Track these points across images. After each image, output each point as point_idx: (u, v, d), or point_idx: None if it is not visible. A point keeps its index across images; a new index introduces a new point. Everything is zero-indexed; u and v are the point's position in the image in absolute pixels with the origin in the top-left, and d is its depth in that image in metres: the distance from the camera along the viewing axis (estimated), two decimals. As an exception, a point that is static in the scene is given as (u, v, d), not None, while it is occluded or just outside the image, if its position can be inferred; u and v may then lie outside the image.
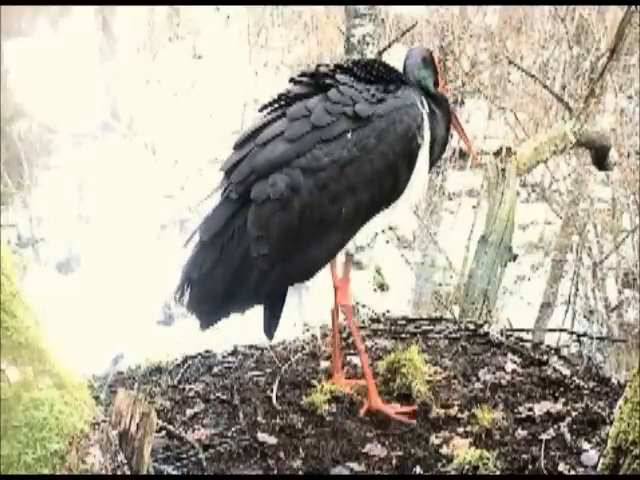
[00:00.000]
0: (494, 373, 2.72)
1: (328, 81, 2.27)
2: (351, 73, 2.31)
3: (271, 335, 2.35)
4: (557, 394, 2.57)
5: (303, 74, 2.40)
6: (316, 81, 2.30)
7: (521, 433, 2.33)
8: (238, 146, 2.27)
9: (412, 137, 2.27)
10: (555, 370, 2.73)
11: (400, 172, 2.29)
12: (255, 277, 2.18)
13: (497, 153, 4.89)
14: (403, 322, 3.25)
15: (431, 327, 3.17)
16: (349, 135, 2.18)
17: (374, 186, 2.25)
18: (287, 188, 2.14)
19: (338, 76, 2.29)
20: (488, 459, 2.16)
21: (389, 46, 5.16)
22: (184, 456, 2.24)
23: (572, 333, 4.15)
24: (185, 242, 2.30)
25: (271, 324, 2.32)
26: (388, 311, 3.49)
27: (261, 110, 2.34)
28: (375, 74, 2.33)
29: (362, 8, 4.69)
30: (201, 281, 2.20)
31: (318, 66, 2.41)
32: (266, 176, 2.15)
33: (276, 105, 2.31)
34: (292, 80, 2.39)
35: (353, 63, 2.42)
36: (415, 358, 2.59)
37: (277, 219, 2.15)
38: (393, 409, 2.45)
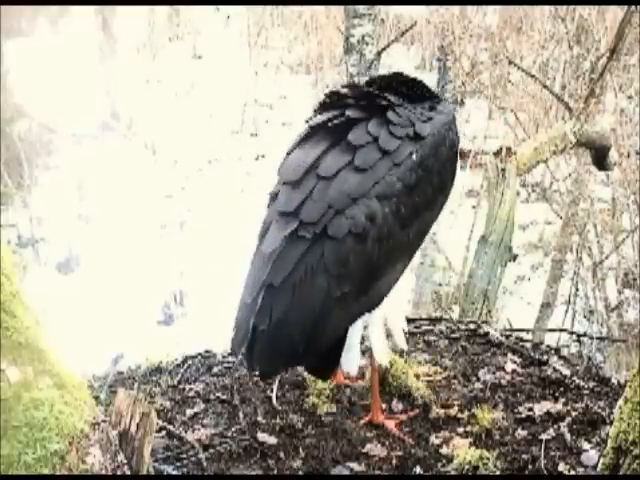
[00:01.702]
0: (494, 373, 2.72)
1: (383, 102, 2.17)
2: (395, 91, 2.24)
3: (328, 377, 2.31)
4: (557, 394, 2.57)
5: (337, 94, 2.27)
6: (368, 103, 2.17)
7: (521, 433, 2.33)
8: (295, 183, 2.08)
9: (456, 152, 2.26)
10: (555, 370, 2.73)
11: (449, 188, 2.27)
12: (336, 316, 2.03)
13: (497, 153, 4.88)
14: (403, 322, 3.25)
15: (431, 327, 3.17)
16: (414, 157, 2.11)
17: (433, 205, 2.22)
18: (366, 220, 2.02)
19: (389, 96, 2.19)
20: (488, 459, 2.16)
21: (389, 46, 5.15)
22: (184, 456, 2.24)
23: (572, 333, 4.15)
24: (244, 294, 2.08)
25: (332, 364, 2.19)
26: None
27: (304, 140, 2.17)
28: (413, 90, 2.29)
29: (362, 8, 4.69)
30: (274, 330, 1.97)
31: (350, 87, 2.34)
32: (343, 210, 2.02)
33: (322, 132, 2.15)
34: (326, 103, 2.26)
35: (385, 79, 2.34)
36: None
37: (357, 253, 2.02)
38: (394, 421, 2.44)
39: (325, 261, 1.99)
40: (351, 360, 2.19)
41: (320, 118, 2.19)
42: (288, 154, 2.22)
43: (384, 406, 2.53)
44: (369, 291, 2.09)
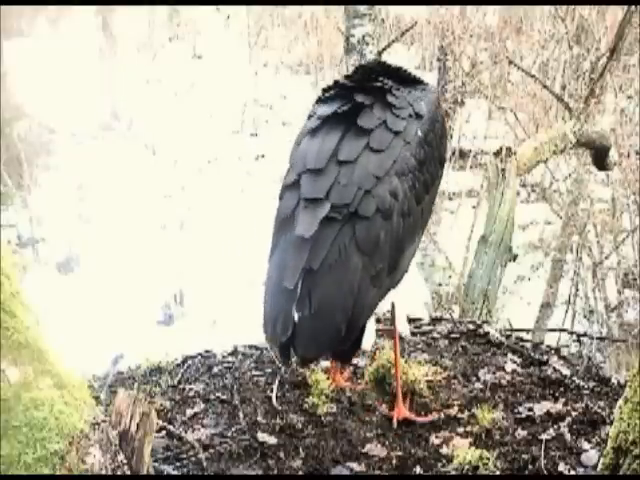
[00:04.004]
0: (494, 373, 2.72)
1: (378, 84, 2.28)
2: (384, 76, 2.34)
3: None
4: (557, 394, 2.57)
5: (336, 87, 2.36)
6: (369, 88, 2.28)
7: (521, 433, 2.33)
8: (319, 170, 2.13)
9: (445, 127, 2.40)
10: (555, 370, 2.73)
11: (444, 162, 2.40)
12: (373, 295, 2.08)
13: (497, 153, 4.89)
14: (403, 322, 3.25)
15: (431, 327, 3.18)
16: (419, 134, 2.23)
17: (437, 179, 2.33)
18: (390, 196, 2.11)
19: (385, 80, 2.30)
20: (488, 459, 2.16)
21: (389, 46, 5.15)
22: (184, 456, 2.24)
23: (572, 333, 4.15)
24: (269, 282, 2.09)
25: (355, 348, 2.19)
26: (389, 311, 3.49)
27: (315, 131, 2.23)
28: (398, 74, 2.40)
29: (362, 8, 4.68)
30: (316, 314, 1.97)
31: (349, 76, 2.41)
32: (370, 190, 2.09)
33: (332, 120, 2.23)
34: (328, 95, 2.34)
35: (370, 66, 2.46)
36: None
37: (386, 230, 2.09)
38: (420, 416, 2.46)
39: (357, 240, 2.04)
40: (368, 337, 2.22)
41: (328, 109, 2.25)
42: (298, 144, 2.29)
43: (383, 406, 2.53)
44: (397, 267, 2.16)
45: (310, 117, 2.34)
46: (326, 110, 2.26)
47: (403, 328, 2.40)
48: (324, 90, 2.40)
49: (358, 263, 2.03)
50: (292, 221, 2.11)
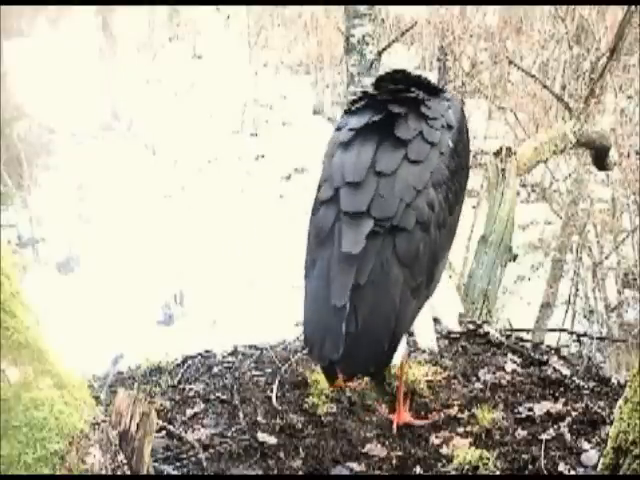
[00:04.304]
0: (494, 373, 2.72)
1: (412, 95, 2.26)
2: (416, 86, 2.32)
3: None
4: (557, 394, 2.56)
5: (365, 97, 2.32)
6: (402, 98, 2.25)
7: (521, 433, 2.33)
8: (358, 184, 2.10)
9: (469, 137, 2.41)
10: (555, 370, 2.73)
11: (469, 173, 2.39)
12: (413, 308, 2.08)
13: (497, 153, 4.88)
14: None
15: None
16: (450, 145, 2.22)
17: (464, 189, 2.33)
18: (428, 208, 2.10)
19: (416, 90, 2.28)
20: (488, 459, 2.16)
21: (389, 46, 5.15)
22: (184, 456, 2.24)
23: (572, 333, 4.15)
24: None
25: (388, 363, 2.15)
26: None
27: (346, 145, 2.19)
28: (422, 84, 2.37)
29: (362, 8, 4.68)
30: (361, 330, 1.96)
31: (375, 87, 2.37)
32: (410, 203, 2.08)
33: (366, 131, 2.20)
34: (358, 106, 2.29)
35: (393, 77, 2.41)
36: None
37: (425, 242, 2.09)
38: (417, 419, 2.45)
39: (398, 253, 2.03)
40: (399, 352, 2.18)
41: (361, 120, 2.22)
42: (330, 157, 2.23)
43: (383, 407, 2.53)
44: (433, 278, 2.15)
45: (339, 129, 2.29)
46: (359, 121, 2.22)
47: (428, 342, 2.36)
48: (353, 102, 2.36)
49: (399, 276, 2.02)
50: (332, 236, 2.08)
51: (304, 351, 2.93)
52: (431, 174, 2.13)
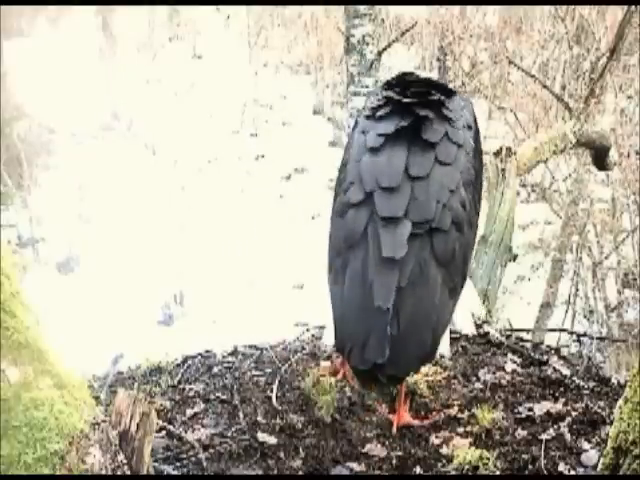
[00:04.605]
0: (494, 373, 2.72)
1: (434, 98, 2.28)
2: (432, 88, 2.34)
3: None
4: (557, 394, 2.56)
5: (389, 103, 2.30)
6: (425, 101, 2.27)
7: (521, 433, 2.33)
8: (393, 188, 2.11)
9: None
10: (555, 370, 2.73)
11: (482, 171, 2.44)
12: (451, 307, 2.11)
13: (497, 153, 4.88)
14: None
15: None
16: (472, 144, 2.27)
17: (482, 188, 2.36)
18: (461, 207, 2.14)
19: (435, 93, 2.31)
20: (488, 459, 2.16)
21: (389, 46, 5.15)
22: (184, 456, 2.24)
23: (572, 333, 4.15)
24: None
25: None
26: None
27: (375, 149, 2.18)
28: (433, 85, 2.39)
29: (362, 8, 4.68)
30: (404, 332, 1.97)
31: (392, 90, 2.35)
32: (445, 204, 2.11)
33: (393, 137, 2.20)
34: (383, 113, 2.28)
35: (405, 80, 2.42)
36: None
37: (460, 241, 2.13)
38: (417, 419, 2.44)
39: (436, 254, 2.05)
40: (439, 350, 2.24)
41: (389, 125, 2.21)
42: (357, 160, 2.21)
43: (383, 407, 2.53)
44: (465, 279, 2.18)
45: (364, 132, 2.26)
46: (387, 127, 2.21)
47: (441, 346, 2.35)
48: (376, 108, 2.33)
49: (437, 277, 2.04)
50: (365, 239, 2.07)
51: (304, 351, 2.93)
52: (461, 174, 2.16)
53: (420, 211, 2.07)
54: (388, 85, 2.45)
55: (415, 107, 2.24)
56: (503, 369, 2.75)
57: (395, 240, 2.03)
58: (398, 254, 2.01)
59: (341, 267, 2.09)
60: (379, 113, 2.29)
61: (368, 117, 2.32)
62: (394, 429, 2.41)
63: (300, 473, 2.19)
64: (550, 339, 5.39)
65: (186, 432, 2.37)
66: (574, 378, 2.65)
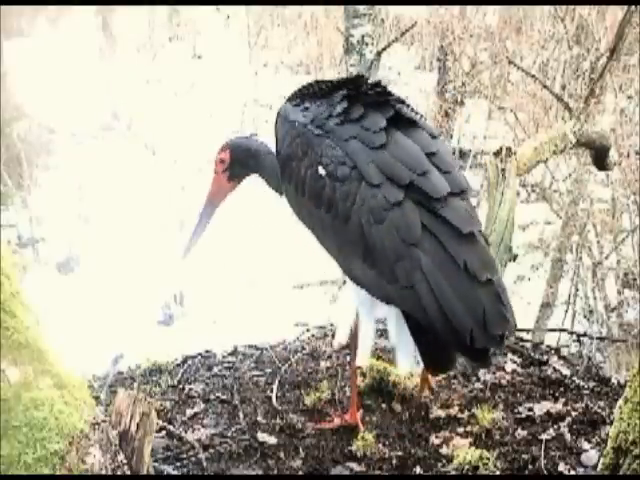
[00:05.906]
0: (494, 373, 2.72)
1: (388, 98, 2.30)
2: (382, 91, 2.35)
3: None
4: (557, 394, 2.57)
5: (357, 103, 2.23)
6: (383, 100, 2.26)
7: (521, 433, 2.33)
8: (425, 172, 2.11)
9: None
10: (555, 370, 2.73)
11: None
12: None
13: (497, 153, 4.88)
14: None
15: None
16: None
17: None
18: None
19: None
20: (488, 459, 2.16)
21: (389, 46, 5.15)
22: (184, 456, 2.24)
23: (572, 333, 4.16)
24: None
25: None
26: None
27: (384, 145, 2.13)
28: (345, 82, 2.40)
29: (361, 8, 4.68)
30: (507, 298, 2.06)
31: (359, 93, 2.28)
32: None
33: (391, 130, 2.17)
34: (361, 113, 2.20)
35: (350, 82, 2.39)
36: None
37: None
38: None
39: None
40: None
41: (380, 120, 2.17)
42: (370, 162, 2.11)
43: (384, 406, 2.53)
44: None
45: (349, 138, 2.15)
46: (378, 122, 2.15)
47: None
48: (342, 113, 2.22)
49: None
50: (426, 229, 2.01)
51: (304, 351, 2.92)
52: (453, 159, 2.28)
53: (456, 182, 2.13)
54: (302, 96, 2.36)
55: (379, 97, 2.26)
56: (503, 369, 2.75)
57: (462, 215, 2.06)
58: (476, 227, 2.07)
59: (412, 267, 1.98)
60: (354, 115, 2.19)
61: (342, 122, 2.18)
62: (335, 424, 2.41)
63: (300, 473, 2.19)
64: (550, 339, 5.39)
65: (186, 432, 2.37)
66: (574, 378, 2.65)
